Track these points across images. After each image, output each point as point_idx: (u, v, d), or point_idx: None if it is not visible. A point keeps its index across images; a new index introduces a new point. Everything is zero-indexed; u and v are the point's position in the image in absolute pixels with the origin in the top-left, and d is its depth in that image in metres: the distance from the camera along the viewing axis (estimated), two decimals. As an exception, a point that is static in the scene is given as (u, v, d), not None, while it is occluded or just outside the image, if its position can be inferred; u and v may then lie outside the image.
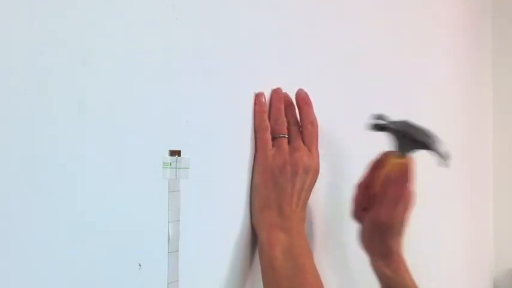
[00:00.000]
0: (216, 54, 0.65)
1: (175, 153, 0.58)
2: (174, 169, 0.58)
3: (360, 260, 0.96)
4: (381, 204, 0.80)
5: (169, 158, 0.58)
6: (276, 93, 0.74)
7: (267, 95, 0.73)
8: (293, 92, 0.75)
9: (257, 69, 0.72)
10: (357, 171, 0.93)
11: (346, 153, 0.93)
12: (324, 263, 0.85)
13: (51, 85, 0.46)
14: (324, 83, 0.87)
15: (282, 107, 0.73)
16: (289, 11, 0.80)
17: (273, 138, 0.71)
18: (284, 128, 0.72)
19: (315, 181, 0.73)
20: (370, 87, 1.04)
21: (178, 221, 0.59)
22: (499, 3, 1.91)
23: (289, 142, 0.72)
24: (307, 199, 0.73)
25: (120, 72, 0.52)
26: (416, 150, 0.80)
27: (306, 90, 0.76)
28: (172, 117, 0.59)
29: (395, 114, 1.16)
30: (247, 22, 0.71)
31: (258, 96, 0.71)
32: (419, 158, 0.81)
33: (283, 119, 0.72)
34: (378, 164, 0.82)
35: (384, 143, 0.82)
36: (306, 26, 0.83)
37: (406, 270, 0.85)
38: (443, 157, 0.79)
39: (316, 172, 0.73)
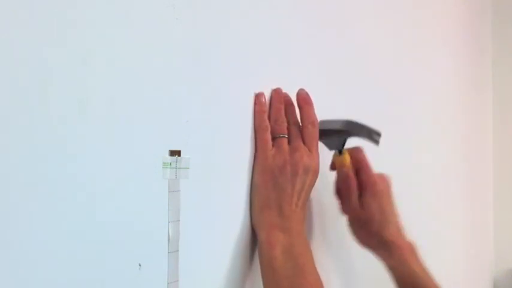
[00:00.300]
0: (216, 54, 0.65)
1: (175, 153, 0.58)
2: (174, 169, 0.58)
3: (360, 260, 0.96)
4: (346, 200, 0.84)
5: (169, 158, 0.58)
6: (276, 93, 0.74)
7: (267, 95, 0.73)
8: (293, 92, 0.75)
9: (257, 69, 0.72)
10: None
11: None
12: (324, 263, 0.85)
13: (51, 85, 0.46)
14: (324, 83, 0.87)
15: (282, 107, 0.73)
16: (289, 11, 0.80)
17: (273, 138, 0.71)
18: (284, 128, 0.72)
19: (315, 181, 0.73)
20: (370, 87, 1.04)
21: (178, 221, 0.59)
22: (499, 3, 1.91)
23: (289, 142, 0.72)
24: (307, 199, 0.73)
25: (120, 72, 0.52)
26: (344, 140, 0.81)
27: (306, 90, 0.75)
28: (172, 117, 0.59)
29: (396, 114, 1.16)
30: (247, 22, 0.71)
31: (258, 96, 0.71)
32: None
33: (283, 119, 0.72)
34: (334, 166, 0.85)
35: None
36: (306, 26, 0.83)
37: (413, 258, 0.84)
38: (370, 137, 0.79)
39: (316, 172, 0.73)
